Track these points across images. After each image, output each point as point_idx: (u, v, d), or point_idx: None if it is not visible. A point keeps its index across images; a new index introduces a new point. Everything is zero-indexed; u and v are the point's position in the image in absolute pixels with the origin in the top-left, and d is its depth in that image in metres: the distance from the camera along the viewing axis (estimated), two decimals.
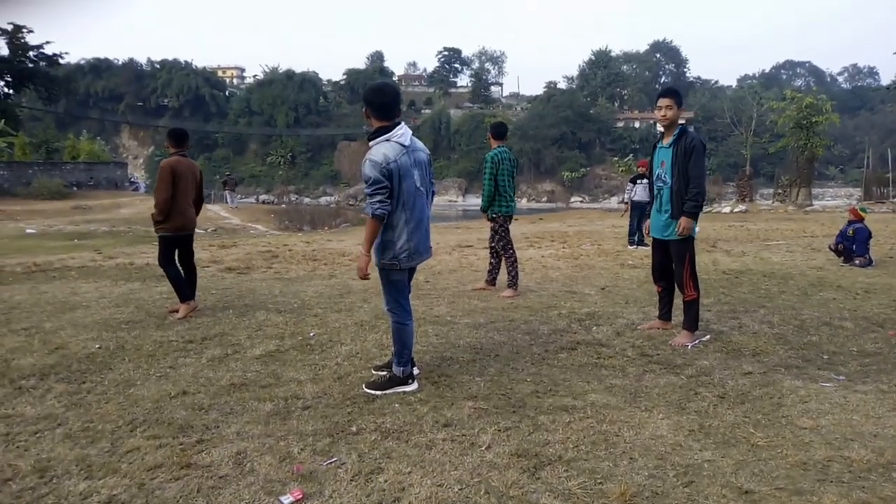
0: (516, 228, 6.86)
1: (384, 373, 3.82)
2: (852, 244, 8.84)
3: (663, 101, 4.59)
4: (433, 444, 2.96)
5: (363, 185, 3.56)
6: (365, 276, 3.60)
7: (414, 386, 3.71)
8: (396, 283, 3.70)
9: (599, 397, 3.56)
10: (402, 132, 3.55)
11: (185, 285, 5.64)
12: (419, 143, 3.73)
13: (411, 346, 3.79)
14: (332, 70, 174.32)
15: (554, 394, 3.63)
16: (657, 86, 77.37)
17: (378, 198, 3.43)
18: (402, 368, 3.70)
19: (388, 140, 3.51)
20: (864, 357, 4.41)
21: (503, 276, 6.78)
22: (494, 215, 6.54)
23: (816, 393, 3.60)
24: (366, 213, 3.49)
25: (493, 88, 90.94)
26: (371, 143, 3.55)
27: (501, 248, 6.59)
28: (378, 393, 3.62)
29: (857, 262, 8.61)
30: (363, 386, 3.71)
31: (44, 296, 6.61)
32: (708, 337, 4.78)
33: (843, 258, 8.91)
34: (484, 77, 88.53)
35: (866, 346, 4.69)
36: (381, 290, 3.77)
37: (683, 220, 4.51)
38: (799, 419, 3.23)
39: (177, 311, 5.57)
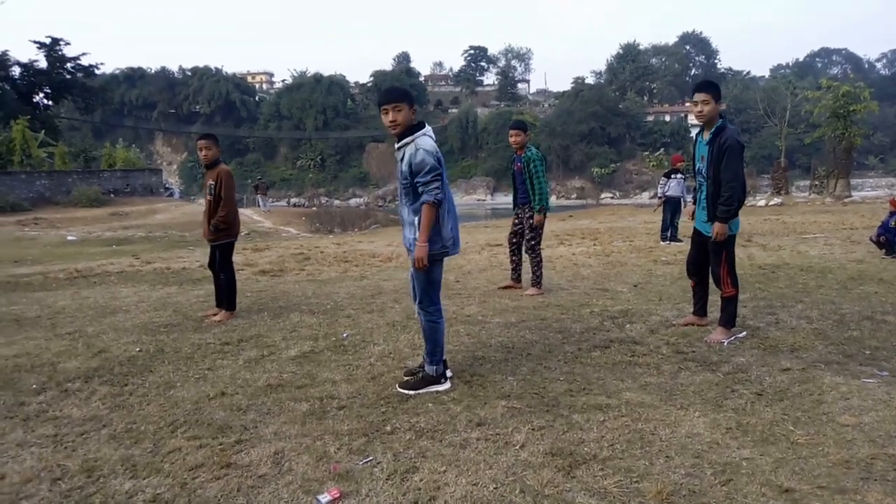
0: (546, 226, 6.82)
1: (417, 372, 3.84)
2: (895, 236, 8.58)
3: (699, 96, 4.38)
4: (467, 443, 2.97)
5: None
6: (423, 266, 3.50)
7: (447, 385, 3.73)
8: (436, 278, 3.69)
9: (634, 395, 3.53)
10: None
11: (236, 293, 5.79)
12: None
13: (443, 344, 3.80)
14: (359, 72, 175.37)
15: (588, 392, 3.61)
16: (687, 79, 76.25)
17: (437, 184, 3.44)
18: (434, 367, 3.72)
19: (425, 134, 3.55)
20: None
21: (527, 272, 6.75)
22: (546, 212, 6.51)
23: (858, 389, 3.51)
24: (426, 201, 3.41)
25: (519, 86, 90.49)
26: (415, 136, 3.52)
27: (530, 249, 6.54)
28: (411, 392, 3.64)
29: None
30: (396, 386, 3.75)
31: (86, 301, 6.82)
32: (744, 333, 4.69)
33: (885, 250, 8.66)
34: (510, 74, 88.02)
35: None
36: (415, 287, 3.74)
37: (717, 227, 4.38)
38: (840, 416, 3.16)
39: (214, 315, 5.68)
